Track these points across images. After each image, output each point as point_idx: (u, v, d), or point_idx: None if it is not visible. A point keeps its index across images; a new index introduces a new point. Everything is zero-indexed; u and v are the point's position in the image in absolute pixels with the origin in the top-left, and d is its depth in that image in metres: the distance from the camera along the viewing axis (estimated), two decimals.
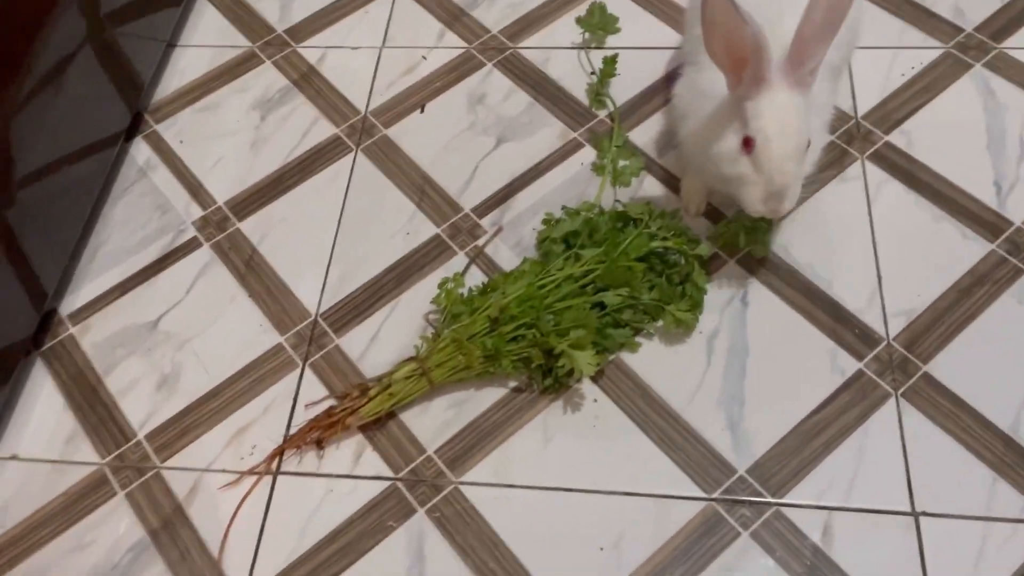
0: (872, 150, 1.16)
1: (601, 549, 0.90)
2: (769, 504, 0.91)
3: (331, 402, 1.01)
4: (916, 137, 1.16)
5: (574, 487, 0.94)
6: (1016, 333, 0.99)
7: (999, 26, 1.26)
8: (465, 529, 0.92)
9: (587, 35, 1.31)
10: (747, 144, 0.89)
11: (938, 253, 1.06)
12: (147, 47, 1.30)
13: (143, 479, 0.98)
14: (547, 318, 0.96)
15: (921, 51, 1.24)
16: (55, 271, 1.11)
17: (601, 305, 1.00)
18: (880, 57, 1.24)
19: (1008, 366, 0.97)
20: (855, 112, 1.19)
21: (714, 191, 1.12)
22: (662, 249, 1.04)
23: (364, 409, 0.97)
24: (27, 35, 1.03)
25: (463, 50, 1.33)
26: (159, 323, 1.10)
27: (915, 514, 0.89)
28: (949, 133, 1.16)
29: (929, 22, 1.27)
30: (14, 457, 1.01)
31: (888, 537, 0.88)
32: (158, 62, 1.34)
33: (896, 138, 1.16)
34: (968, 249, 1.06)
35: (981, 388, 0.96)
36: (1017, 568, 0.86)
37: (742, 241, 1.05)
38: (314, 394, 1.03)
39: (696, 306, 1.02)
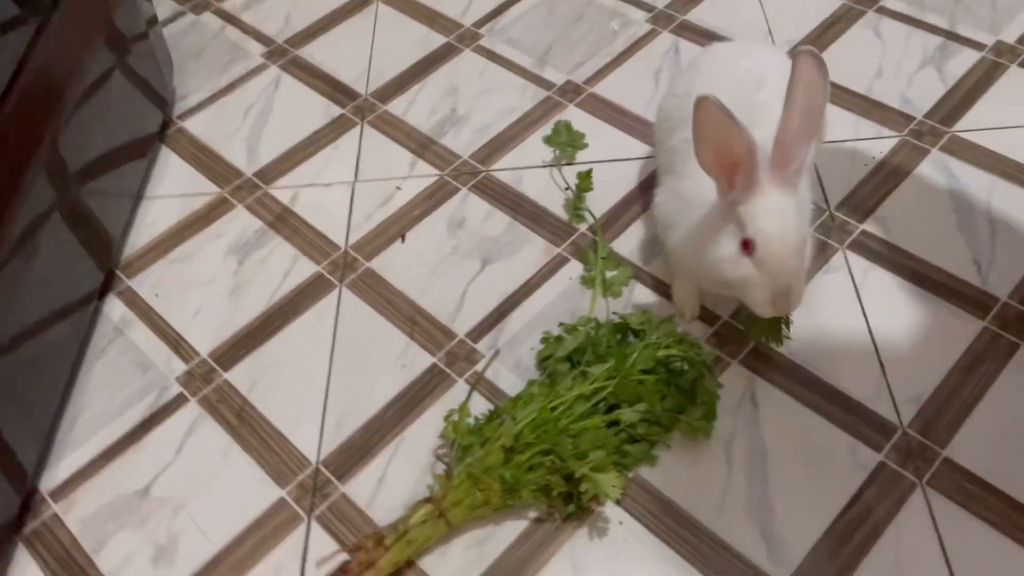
0: (851, 239, 1.18)
1: None
2: None
3: (343, 556, 0.95)
4: (891, 223, 1.19)
5: None
6: None
7: (946, 112, 1.32)
8: None
9: (556, 152, 1.34)
10: (747, 246, 0.90)
11: (933, 335, 1.07)
12: (115, 203, 1.28)
13: None
14: (565, 442, 0.94)
15: (878, 141, 1.30)
16: (33, 446, 1.04)
17: (615, 422, 0.98)
18: (841, 150, 1.29)
19: None
20: (827, 204, 1.23)
21: (707, 293, 1.13)
22: (665, 357, 1.03)
23: (383, 560, 0.91)
24: None
25: (436, 177, 1.34)
26: (150, 489, 1.04)
27: None
28: (921, 216, 1.20)
29: (880, 113, 1.33)
30: None
31: None
32: (127, 217, 1.32)
33: (871, 226, 1.20)
34: (962, 328, 1.08)
35: (1004, 465, 0.95)
36: None
37: (763, 333, 1.04)
38: (324, 549, 0.97)
39: (710, 412, 1.00)
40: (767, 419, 1.02)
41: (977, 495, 0.94)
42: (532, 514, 0.97)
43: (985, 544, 0.90)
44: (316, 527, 0.99)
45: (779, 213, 0.89)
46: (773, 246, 0.88)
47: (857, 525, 0.93)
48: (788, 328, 1.04)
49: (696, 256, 0.97)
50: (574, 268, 1.21)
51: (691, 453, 1.01)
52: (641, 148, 1.34)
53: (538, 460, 0.94)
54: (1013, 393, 1.01)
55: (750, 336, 1.07)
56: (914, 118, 1.32)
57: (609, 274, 1.18)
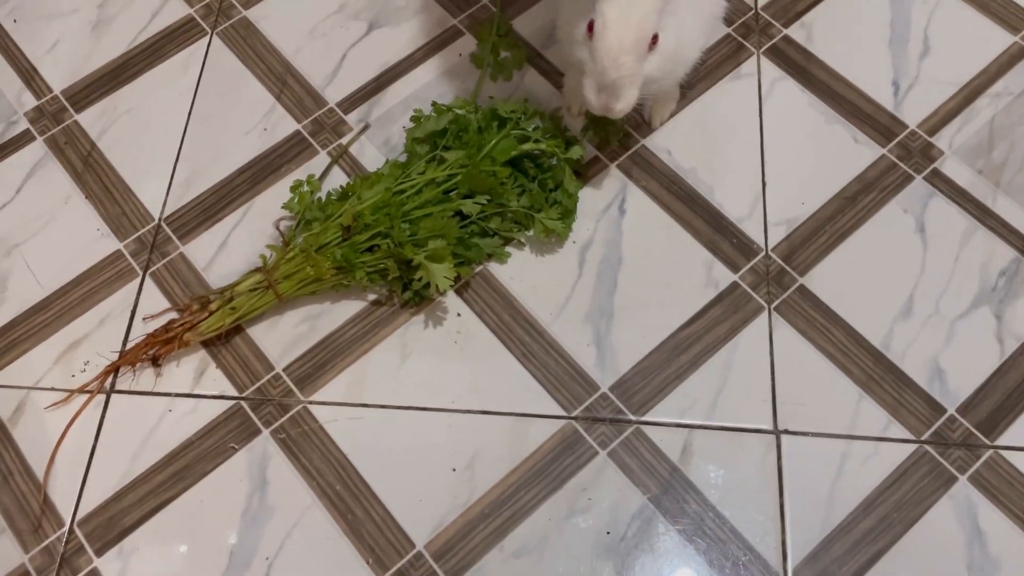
0: (769, 45, 1.07)
1: (454, 470, 0.86)
2: (630, 422, 0.88)
3: (172, 315, 0.93)
4: (816, 30, 1.08)
5: (428, 406, 0.89)
6: (898, 243, 0.95)
7: None
8: (311, 451, 0.87)
9: None
10: (590, 29, 0.81)
11: (827, 158, 1.00)
12: None
13: None
14: (403, 227, 0.89)
15: None
16: None
17: (465, 214, 0.92)
18: None
19: (886, 278, 0.93)
20: (755, 2, 1.10)
21: None
22: (537, 152, 0.96)
23: (203, 324, 0.89)
24: None
25: None
26: None
27: (777, 432, 0.87)
28: (851, 26, 1.08)
29: None
30: None
31: (748, 455, 0.86)
32: None
33: (796, 31, 1.08)
34: (858, 153, 1.00)
35: (856, 301, 0.92)
36: (876, 486, 0.84)
37: (590, 130, 0.97)
38: (154, 306, 0.95)
39: (568, 214, 0.95)
40: (631, 227, 0.97)
41: (820, 324, 0.91)
42: (372, 296, 0.95)
43: (815, 371, 0.89)
44: (149, 283, 0.96)
45: None
46: (608, 34, 0.78)
47: (694, 341, 0.91)
48: (614, 135, 0.97)
49: (566, 34, 0.87)
50: (467, 44, 1.10)
51: (545, 254, 0.96)
52: None
53: (376, 242, 0.90)
54: (888, 229, 0.96)
55: (583, 134, 0.99)
56: None
57: (503, 55, 1.08)
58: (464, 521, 0.84)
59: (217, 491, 0.86)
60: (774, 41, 1.08)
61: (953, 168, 0.99)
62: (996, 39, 1.06)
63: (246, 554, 0.83)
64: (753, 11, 1.10)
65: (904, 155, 1.00)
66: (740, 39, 1.08)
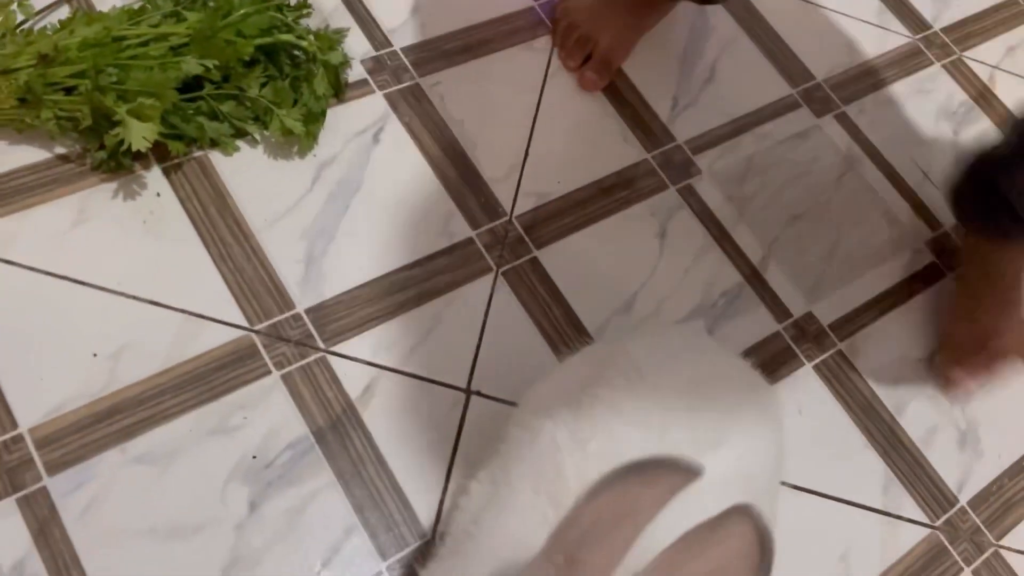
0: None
1: (95, 355, 0.74)
2: (317, 348, 0.79)
3: None
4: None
5: (87, 281, 0.76)
6: (637, 243, 0.94)
7: None
8: None
9: None
10: None
11: (594, 148, 0.99)
12: None
13: None
14: (111, 71, 0.77)
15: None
16: None
17: (195, 87, 0.82)
18: None
19: (618, 272, 0.92)
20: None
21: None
22: (298, 52, 0.88)
23: None
24: None
25: None
26: None
27: (468, 392, 0.81)
28: (650, 43, 1.09)
29: None
30: None
31: (432, 408, 0.80)
32: None
33: None
34: (624, 152, 1.00)
35: (584, 287, 0.89)
36: None
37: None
38: None
39: (313, 120, 0.87)
40: (381, 158, 0.91)
41: (543, 299, 0.88)
42: (60, 150, 0.82)
43: (524, 345, 0.85)
44: None
45: None
46: None
47: (412, 284, 0.85)
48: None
49: None
50: None
51: (279, 158, 0.87)
52: None
53: (77, 82, 0.77)
54: (632, 227, 0.95)
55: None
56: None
57: None
58: (88, 412, 0.71)
59: None
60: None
61: (706, 189, 1.00)
62: (775, 87, 1.10)
63: None
64: None
65: (665, 164, 1.00)
66: (544, 17, 1.06)
